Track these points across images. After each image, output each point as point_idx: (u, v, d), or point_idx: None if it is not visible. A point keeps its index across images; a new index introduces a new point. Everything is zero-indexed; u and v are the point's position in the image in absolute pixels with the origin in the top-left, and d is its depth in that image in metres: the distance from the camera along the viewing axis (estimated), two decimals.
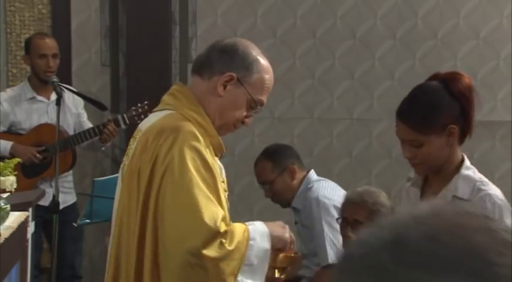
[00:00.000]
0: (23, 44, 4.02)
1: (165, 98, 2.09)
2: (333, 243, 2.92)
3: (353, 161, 4.51)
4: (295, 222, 3.16)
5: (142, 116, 3.75)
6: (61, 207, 3.47)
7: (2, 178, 2.17)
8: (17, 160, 2.41)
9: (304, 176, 3.13)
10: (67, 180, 3.86)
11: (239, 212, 4.53)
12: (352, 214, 2.68)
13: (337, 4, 4.42)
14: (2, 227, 2.08)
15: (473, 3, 4.41)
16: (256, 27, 4.44)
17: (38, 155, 3.62)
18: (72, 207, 3.88)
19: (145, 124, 2.10)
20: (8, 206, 2.16)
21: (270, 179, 3.11)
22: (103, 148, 3.94)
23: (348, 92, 4.49)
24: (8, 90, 3.84)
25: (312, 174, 3.16)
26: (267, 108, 4.51)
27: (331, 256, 2.91)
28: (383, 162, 4.51)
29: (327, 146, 4.30)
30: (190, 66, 4.36)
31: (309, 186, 3.08)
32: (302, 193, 3.09)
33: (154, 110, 2.14)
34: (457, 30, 4.43)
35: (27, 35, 4.02)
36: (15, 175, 2.33)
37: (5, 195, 2.22)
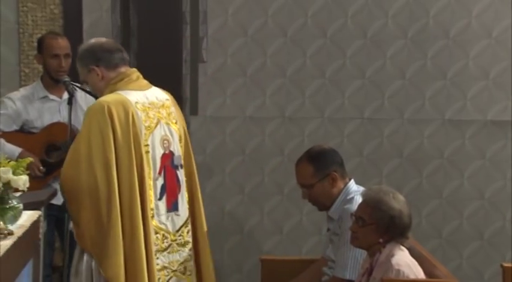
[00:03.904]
0: (35, 44, 4.04)
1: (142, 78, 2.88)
2: (356, 259, 2.87)
3: (364, 161, 4.50)
4: (328, 229, 3.12)
5: None
6: None
7: (14, 177, 2.19)
8: (29, 160, 2.42)
9: (345, 185, 3.04)
10: None
11: (250, 211, 4.55)
12: (358, 210, 2.70)
13: (348, 3, 4.41)
14: (14, 225, 2.10)
15: (485, 2, 4.39)
16: (267, 27, 4.44)
17: (41, 168, 3.61)
18: None
19: (157, 96, 2.91)
20: (21, 205, 2.19)
21: (310, 183, 3.02)
22: None
23: (359, 92, 4.48)
24: (21, 89, 3.86)
25: (352, 184, 3.07)
26: (277, 107, 4.53)
27: (350, 272, 2.88)
28: (394, 162, 4.50)
29: (337, 145, 4.30)
30: (201, 66, 4.44)
31: (348, 198, 3.00)
32: (341, 204, 3.01)
33: (144, 88, 2.86)
34: (469, 29, 4.42)
35: (39, 35, 4.04)
36: (27, 174, 2.34)
37: (17, 194, 2.24)
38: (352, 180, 3.10)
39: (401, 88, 4.48)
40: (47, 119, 3.75)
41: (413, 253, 2.69)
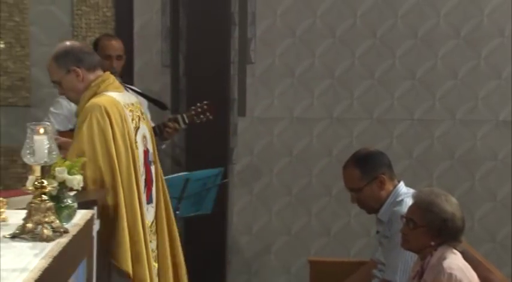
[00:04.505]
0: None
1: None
2: (406, 262, 2.84)
3: (414, 163, 4.44)
4: (377, 232, 3.10)
5: (202, 116, 3.80)
6: None
7: (69, 177, 2.23)
8: (83, 159, 2.47)
9: (394, 187, 3.00)
10: None
11: (298, 212, 4.54)
12: (408, 212, 2.66)
13: (399, 3, 4.38)
14: (69, 224, 2.14)
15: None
16: (315, 27, 4.43)
17: None
18: None
19: (130, 97, 3.03)
20: (75, 204, 2.23)
21: (358, 187, 2.99)
22: (163, 146, 4.00)
23: (409, 92, 4.44)
24: None
25: (402, 186, 3.02)
26: (325, 108, 4.51)
27: (400, 275, 2.84)
28: (445, 164, 4.43)
29: (386, 147, 4.26)
30: (249, 67, 4.46)
31: (397, 200, 2.96)
32: (390, 206, 2.97)
33: (121, 90, 2.94)
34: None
35: (92, 38, 4.13)
36: (81, 174, 2.39)
37: (72, 193, 2.28)
38: (402, 183, 3.06)
39: (453, 88, 4.41)
40: None
41: (466, 257, 2.63)
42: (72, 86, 2.86)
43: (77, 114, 2.93)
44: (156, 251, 2.95)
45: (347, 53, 4.43)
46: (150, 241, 2.88)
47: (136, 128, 2.90)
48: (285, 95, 4.49)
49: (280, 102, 4.49)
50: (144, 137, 2.96)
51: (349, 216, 4.49)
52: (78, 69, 2.84)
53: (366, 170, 2.99)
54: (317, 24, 4.43)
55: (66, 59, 2.85)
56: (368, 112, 4.47)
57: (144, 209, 2.84)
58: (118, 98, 2.85)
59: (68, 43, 2.97)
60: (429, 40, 4.39)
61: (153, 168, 3.00)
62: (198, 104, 3.81)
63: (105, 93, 2.84)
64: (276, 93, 4.49)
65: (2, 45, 2.20)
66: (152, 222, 2.95)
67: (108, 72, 2.96)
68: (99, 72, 2.90)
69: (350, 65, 4.45)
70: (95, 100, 2.80)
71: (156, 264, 2.94)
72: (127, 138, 2.80)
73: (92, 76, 2.86)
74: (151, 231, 2.92)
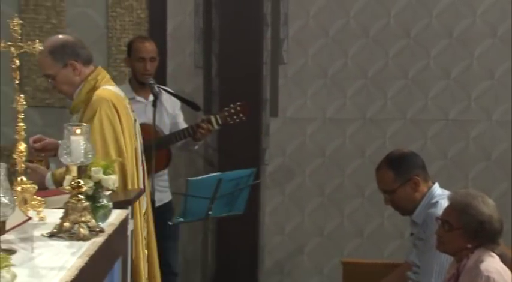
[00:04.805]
0: (122, 48, 4.18)
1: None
2: (441, 265, 2.80)
3: (448, 163, 4.38)
4: (411, 234, 3.07)
5: (235, 117, 3.81)
6: (157, 205, 3.57)
7: (105, 177, 2.26)
8: (118, 159, 2.50)
9: (429, 189, 2.97)
10: (163, 179, 3.96)
11: (330, 213, 4.51)
12: (444, 214, 2.63)
13: (433, 3, 4.32)
14: (105, 223, 2.16)
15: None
16: (348, 27, 4.40)
17: None
18: (168, 206, 3.99)
19: (123, 93, 2.97)
20: (111, 204, 2.25)
21: (391, 188, 2.97)
22: (196, 147, 4.02)
23: (443, 93, 4.39)
24: None
25: (436, 187, 2.99)
26: (358, 108, 4.47)
27: (435, 278, 2.81)
28: (481, 165, 4.36)
29: (420, 147, 4.21)
30: (281, 67, 4.46)
31: (432, 202, 2.93)
32: (424, 208, 2.94)
33: (109, 85, 2.87)
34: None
35: (126, 39, 4.18)
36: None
37: (107, 193, 2.31)
38: (437, 184, 3.02)
39: (490, 88, 4.35)
40: None
41: (505, 260, 2.59)
42: (67, 79, 2.82)
43: (72, 108, 2.92)
44: (146, 239, 2.99)
45: (380, 53, 4.39)
46: (144, 229, 2.94)
47: (135, 120, 2.96)
48: (317, 95, 4.47)
49: (313, 103, 4.48)
50: (139, 129, 3.03)
51: (382, 217, 4.45)
52: (75, 63, 2.81)
53: (400, 172, 2.97)
54: (350, 24, 4.40)
55: (63, 53, 2.80)
56: (401, 112, 4.43)
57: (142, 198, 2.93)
58: (117, 92, 2.89)
59: (61, 36, 2.94)
60: (464, 39, 4.32)
61: (144, 159, 3.08)
62: (231, 105, 3.81)
63: (104, 86, 2.85)
64: (309, 93, 4.48)
65: (41, 48, 2.23)
66: (145, 211, 3.02)
67: (100, 67, 2.96)
68: (92, 66, 2.89)
69: (383, 65, 4.41)
70: (100, 94, 2.80)
71: (146, 251, 2.99)
72: (131, 131, 2.87)
73: (87, 70, 2.85)
74: (144, 219, 2.98)
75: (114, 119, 2.77)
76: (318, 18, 4.40)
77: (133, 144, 2.86)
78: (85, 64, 2.85)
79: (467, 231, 2.53)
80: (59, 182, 2.51)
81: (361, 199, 4.48)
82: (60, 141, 2.80)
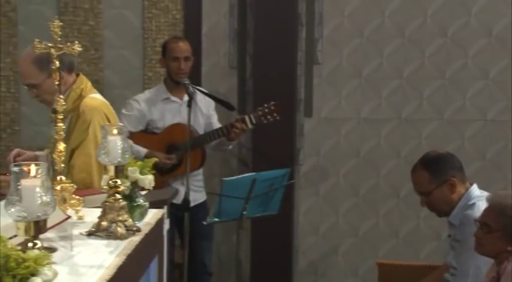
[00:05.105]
0: (158, 49, 4.22)
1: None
2: (478, 267, 2.76)
3: (487, 164, 4.31)
4: (449, 235, 3.03)
5: (269, 116, 3.81)
6: (192, 205, 3.60)
7: (141, 177, 2.27)
8: (155, 159, 2.52)
9: (466, 190, 2.93)
10: (197, 179, 3.99)
11: (365, 214, 4.48)
12: (483, 216, 2.58)
13: (472, 1, 4.25)
14: (141, 223, 2.18)
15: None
16: (383, 27, 4.36)
17: (170, 156, 3.78)
18: (202, 206, 4.01)
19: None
20: (147, 204, 2.27)
21: (427, 190, 2.93)
22: (230, 146, 4.03)
23: (481, 93, 4.33)
24: (146, 91, 4.05)
25: (474, 189, 2.95)
26: (393, 109, 4.43)
27: (472, 280, 2.77)
28: None
29: (457, 148, 4.16)
30: (315, 67, 4.44)
31: (469, 203, 2.89)
32: (461, 209, 2.90)
33: (93, 93, 2.87)
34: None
35: (162, 40, 4.21)
36: (153, 174, 2.43)
37: (143, 193, 2.32)
38: (475, 185, 2.97)
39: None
40: (169, 120, 3.90)
41: None
42: (51, 89, 2.62)
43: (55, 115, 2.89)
44: None
45: (416, 52, 4.35)
46: None
47: None
48: (352, 95, 4.44)
49: (348, 103, 4.45)
50: None
51: (418, 218, 4.40)
52: (61, 72, 2.67)
53: (436, 173, 2.93)
54: (385, 24, 4.37)
55: (48, 62, 2.61)
56: (438, 113, 4.37)
57: None
58: (104, 99, 2.91)
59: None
60: (502, 39, 4.25)
61: None
62: (265, 105, 3.82)
63: (90, 95, 2.86)
64: (343, 93, 4.46)
65: (79, 49, 2.26)
66: None
67: (81, 74, 2.93)
68: (74, 74, 2.87)
69: (419, 65, 4.36)
70: (90, 104, 2.81)
71: None
72: None
73: (71, 78, 2.84)
74: None
75: None
76: (352, 18, 4.38)
77: None
78: (69, 72, 2.83)
79: (507, 234, 2.48)
80: None
81: (397, 200, 4.43)
82: (37, 152, 2.85)
